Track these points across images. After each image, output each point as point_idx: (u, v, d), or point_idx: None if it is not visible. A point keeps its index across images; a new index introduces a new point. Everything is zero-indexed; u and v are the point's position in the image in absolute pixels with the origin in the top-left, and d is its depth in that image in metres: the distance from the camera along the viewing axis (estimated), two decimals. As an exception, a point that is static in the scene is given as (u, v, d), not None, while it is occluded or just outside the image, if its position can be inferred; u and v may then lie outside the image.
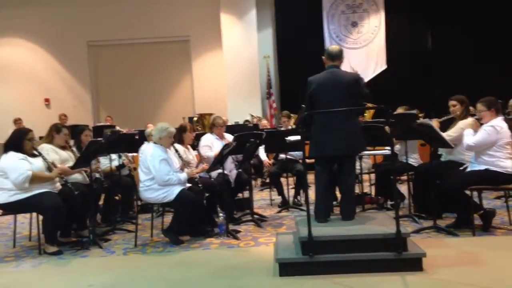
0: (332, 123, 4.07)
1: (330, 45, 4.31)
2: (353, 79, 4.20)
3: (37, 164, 4.59)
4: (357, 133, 4.17)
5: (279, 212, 6.06)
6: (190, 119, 10.53)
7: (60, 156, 5.00)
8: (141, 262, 4.31)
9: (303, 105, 4.41)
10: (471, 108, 5.23)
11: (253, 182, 7.49)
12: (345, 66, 4.43)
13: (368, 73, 12.53)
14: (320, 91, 4.13)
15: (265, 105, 12.65)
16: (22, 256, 4.62)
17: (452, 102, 4.97)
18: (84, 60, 13.71)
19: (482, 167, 4.43)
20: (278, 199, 6.52)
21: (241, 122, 10.60)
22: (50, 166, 4.66)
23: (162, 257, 4.41)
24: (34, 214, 4.88)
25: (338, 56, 4.26)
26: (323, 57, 4.32)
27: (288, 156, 6.33)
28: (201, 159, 5.52)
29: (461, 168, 4.71)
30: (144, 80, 13.55)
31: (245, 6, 12.33)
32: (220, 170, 5.12)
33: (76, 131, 5.67)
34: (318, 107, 4.10)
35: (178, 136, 5.34)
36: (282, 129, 7.35)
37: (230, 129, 7.20)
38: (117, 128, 8.33)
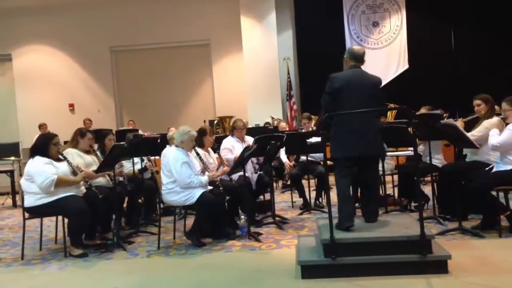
0: (357, 123, 3.96)
1: (353, 46, 4.16)
2: (378, 82, 4.18)
3: (63, 168, 4.68)
4: (380, 135, 4.11)
5: (301, 214, 6.04)
6: (211, 122, 10.57)
7: (84, 160, 5.07)
8: (164, 264, 4.35)
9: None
10: (496, 107, 5.12)
11: (274, 184, 7.48)
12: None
13: (389, 73, 12.39)
14: (346, 89, 4.02)
15: (286, 107, 12.63)
16: (48, 259, 4.71)
17: (476, 102, 4.88)
18: (107, 65, 13.92)
19: (508, 167, 4.33)
20: (299, 201, 6.50)
21: (261, 124, 10.59)
22: (75, 170, 4.75)
23: (185, 259, 4.44)
24: (60, 217, 4.97)
25: (362, 58, 4.21)
26: (345, 57, 4.24)
27: (309, 158, 6.30)
28: (221, 162, 5.54)
29: (486, 169, 4.62)
30: (166, 84, 13.68)
31: (265, 8, 12.34)
32: (241, 173, 5.13)
33: (100, 135, 5.73)
34: (342, 105, 3.96)
35: (198, 139, 5.36)
36: (303, 131, 7.32)
37: (251, 131, 7.21)
38: (140, 132, 8.43)
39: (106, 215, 5.11)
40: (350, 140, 3.98)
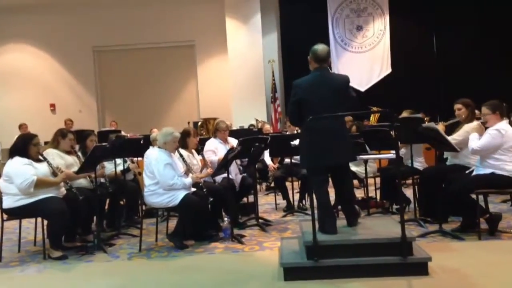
0: (327, 130, 3.80)
1: (316, 45, 4.04)
2: (345, 82, 3.97)
3: (42, 169, 4.61)
4: (350, 139, 4.05)
5: (284, 216, 6.04)
6: (195, 123, 10.54)
7: (65, 161, 5.01)
8: (145, 266, 4.30)
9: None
10: (476, 111, 5.20)
11: (258, 187, 7.48)
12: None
13: (373, 77, 12.53)
14: (309, 96, 3.86)
15: (270, 109, 12.65)
16: (27, 261, 4.62)
17: (457, 106, 4.95)
18: (90, 65, 13.79)
19: (488, 171, 4.40)
20: (283, 203, 6.51)
21: (246, 126, 10.60)
22: (55, 171, 4.68)
23: (167, 261, 4.40)
24: (39, 219, 4.88)
25: (326, 58, 4.00)
26: (308, 57, 4.05)
27: (293, 161, 6.32)
28: (205, 163, 5.52)
29: (466, 172, 4.68)
30: (149, 85, 13.61)
31: (250, 10, 12.37)
32: (225, 175, 5.12)
33: (81, 136, 5.67)
34: (308, 113, 3.72)
35: (182, 141, 5.34)
36: (287, 133, 7.33)
37: (235, 133, 7.20)
38: (122, 133, 8.35)
39: (86, 217, 5.05)
40: (320, 149, 3.82)
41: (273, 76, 12.63)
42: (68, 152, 5.16)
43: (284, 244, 4.20)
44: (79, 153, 5.32)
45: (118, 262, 4.45)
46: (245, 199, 6.24)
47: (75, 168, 4.96)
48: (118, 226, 5.55)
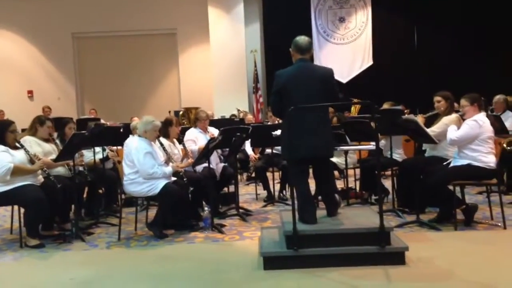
0: (308, 122, 3.78)
1: (297, 36, 4.00)
2: (328, 74, 3.95)
3: (19, 156, 4.52)
4: (331, 131, 4.06)
5: (265, 206, 6.06)
6: (176, 113, 10.46)
7: (43, 149, 4.93)
8: (124, 256, 4.28)
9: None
10: (455, 104, 5.28)
11: (239, 177, 7.48)
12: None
13: (354, 69, 12.61)
14: (292, 87, 3.83)
15: (252, 99, 12.63)
16: (3, 250, 4.55)
17: (436, 98, 5.01)
18: (69, 52, 13.54)
19: (465, 162, 4.48)
20: (263, 193, 6.52)
21: (227, 116, 10.57)
22: (32, 159, 4.60)
23: (146, 251, 4.38)
24: (16, 207, 4.82)
25: (308, 49, 3.96)
26: (290, 49, 4.01)
27: (274, 151, 6.33)
28: (186, 153, 5.49)
29: (444, 164, 4.76)
30: (130, 73, 13.43)
31: (232, 0, 12.27)
32: (205, 164, 5.10)
33: (60, 123, 5.57)
34: (290, 104, 3.68)
35: (164, 130, 5.30)
36: (269, 123, 7.33)
37: (217, 123, 7.18)
38: (102, 121, 8.24)
39: (64, 205, 4.97)
40: (301, 141, 3.78)
41: (255, 66, 12.59)
42: (46, 140, 5.08)
43: (264, 234, 4.22)
44: (57, 141, 5.24)
45: (97, 251, 4.41)
46: (225, 189, 6.24)
47: (53, 156, 4.88)
48: (96, 215, 5.50)
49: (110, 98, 13.23)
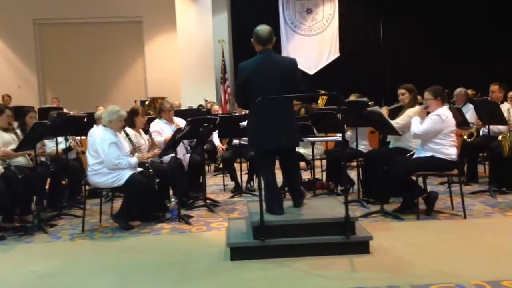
0: (273, 113, 3.77)
1: (258, 26, 3.93)
2: (292, 64, 3.94)
3: (-23, 146, 4.36)
4: (296, 123, 4.08)
5: (232, 197, 6.06)
6: (142, 102, 10.30)
7: (2, 139, 4.79)
8: (88, 248, 4.20)
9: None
10: (418, 96, 5.39)
11: (207, 167, 7.45)
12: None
13: (321, 61, 12.70)
14: (255, 78, 3.81)
15: (220, 90, 12.56)
16: (-39, 243, 4.39)
17: (401, 91, 5.11)
18: (30, 39, 13.08)
19: (428, 154, 4.59)
20: (231, 184, 6.52)
21: (194, 107, 10.48)
22: (-10, 149, 4.44)
23: (111, 242, 4.31)
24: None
25: (269, 39, 3.90)
26: (252, 40, 3.94)
27: (242, 142, 6.33)
28: (153, 143, 5.42)
29: (408, 155, 4.87)
30: (94, 62, 13.11)
31: (200, -12, 12.12)
32: (172, 155, 5.05)
33: (20, 112, 5.44)
34: (254, 95, 3.65)
35: (130, 119, 5.22)
36: (236, 114, 7.32)
37: (184, 114, 7.10)
38: (65, 110, 8.02)
39: (25, 197, 4.85)
40: (267, 133, 3.76)
41: (223, 56, 12.50)
42: (6, 129, 4.93)
43: (231, 225, 4.23)
44: (18, 131, 5.08)
45: (60, 243, 4.32)
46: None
47: (13, 146, 4.75)
48: (59, 206, 5.38)
49: (73, 87, 12.88)
